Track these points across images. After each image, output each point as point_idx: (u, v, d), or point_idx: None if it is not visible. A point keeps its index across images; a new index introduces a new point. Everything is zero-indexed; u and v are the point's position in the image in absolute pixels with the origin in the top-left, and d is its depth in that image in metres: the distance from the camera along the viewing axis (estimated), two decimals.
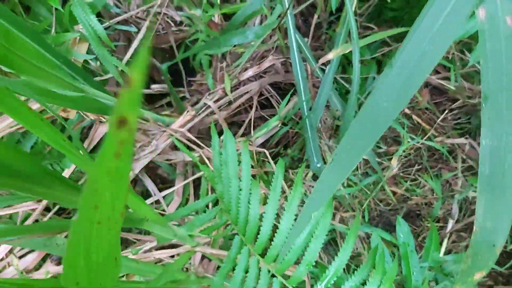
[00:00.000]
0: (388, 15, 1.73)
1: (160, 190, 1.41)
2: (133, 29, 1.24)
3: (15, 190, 0.41)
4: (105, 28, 1.16)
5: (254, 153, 1.40)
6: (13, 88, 0.61)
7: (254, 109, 1.43)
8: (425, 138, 1.44)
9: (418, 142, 1.44)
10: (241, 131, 1.52)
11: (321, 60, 1.32)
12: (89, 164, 0.54)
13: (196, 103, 1.54)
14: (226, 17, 1.57)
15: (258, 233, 0.83)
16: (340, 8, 1.44)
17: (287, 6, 1.28)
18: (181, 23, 1.61)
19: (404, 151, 1.45)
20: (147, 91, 1.37)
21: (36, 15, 1.13)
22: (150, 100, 1.56)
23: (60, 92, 0.68)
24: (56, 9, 1.02)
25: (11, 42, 0.65)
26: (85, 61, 1.16)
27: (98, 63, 1.13)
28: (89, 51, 1.12)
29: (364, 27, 1.72)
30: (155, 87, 1.39)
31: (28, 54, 0.75)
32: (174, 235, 0.81)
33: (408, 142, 1.36)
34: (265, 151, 1.29)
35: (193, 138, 1.25)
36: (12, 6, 1.04)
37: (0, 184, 0.38)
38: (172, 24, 1.54)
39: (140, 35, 1.19)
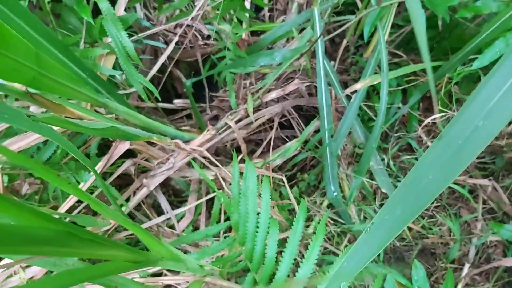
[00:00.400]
0: (417, 43, 1.69)
1: (172, 202, 1.39)
2: (161, 44, 1.22)
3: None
4: (134, 42, 1.15)
5: (271, 177, 1.38)
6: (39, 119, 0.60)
7: (274, 131, 1.40)
8: None
9: None
10: (259, 151, 1.50)
11: (348, 90, 1.29)
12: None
13: (216, 118, 1.52)
14: (253, 32, 1.55)
15: (273, 275, 0.80)
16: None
17: (319, 34, 1.26)
18: (208, 37, 1.59)
19: None
20: (169, 106, 1.35)
21: (66, 23, 1.12)
22: (171, 112, 1.54)
23: (84, 125, 0.66)
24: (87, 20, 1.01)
25: (41, 62, 0.63)
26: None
27: (124, 76, 1.11)
28: (115, 64, 1.11)
29: (391, 53, 1.68)
30: (178, 102, 1.37)
31: (56, 72, 0.74)
32: (186, 268, 0.79)
33: None
34: (283, 177, 1.27)
35: (211, 158, 1.22)
36: (44, 14, 1.03)
37: (27, 252, 0.36)
38: (199, 38, 1.53)
39: (168, 50, 1.17)
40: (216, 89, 1.60)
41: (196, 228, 1.35)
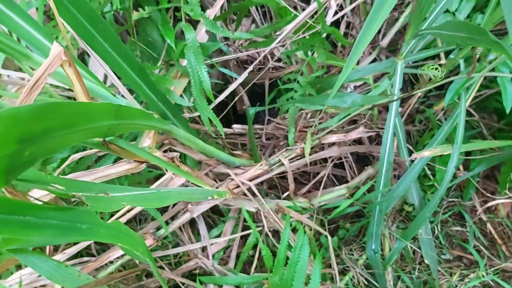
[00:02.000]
0: (492, 105, 1.57)
1: (207, 223, 1.38)
2: (234, 74, 1.19)
3: None
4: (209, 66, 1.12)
5: (314, 219, 1.34)
6: None
7: (325, 177, 1.36)
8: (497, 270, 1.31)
9: (487, 272, 1.31)
10: (305, 188, 1.46)
11: (414, 156, 1.22)
12: None
13: (269, 147, 1.49)
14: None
15: None
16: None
17: (397, 90, 1.19)
18: (279, 59, 1.55)
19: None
20: (227, 130, 1.33)
21: (147, 35, 1.10)
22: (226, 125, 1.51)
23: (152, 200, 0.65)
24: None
25: (120, 114, 0.61)
26: None
27: (192, 99, 1.09)
28: (187, 87, 1.09)
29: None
30: (236, 128, 1.34)
31: (132, 115, 0.72)
32: None
33: (482, 277, 1.24)
34: (326, 232, 1.22)
35: (258, 195, 1.20)
36: (127, 26, 1.02)
37: None
38: (270, 59, 1.48)
39: (239, 80, 1.14)
40: (275, 113, 1.56)
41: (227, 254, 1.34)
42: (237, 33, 0.93)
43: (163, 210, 1.19)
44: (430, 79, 0.89)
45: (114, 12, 1.00)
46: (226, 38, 1.35)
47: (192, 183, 0.93)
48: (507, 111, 1.23)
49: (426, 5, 1.00)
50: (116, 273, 0.97)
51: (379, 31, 1.83)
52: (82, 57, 1.19)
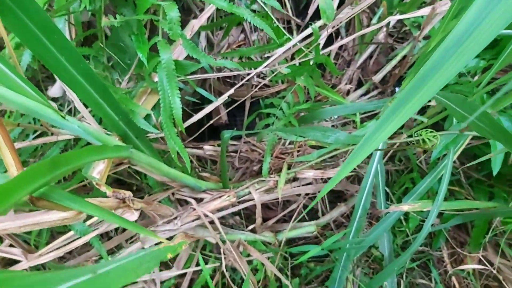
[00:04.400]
0: (473, 151, 1.51)
1: None
2: (213, 98, 1.07)
3: None
4: (183, 82, 1.00)
5: (278, 256, 1.25)
6: None
7: (296, 214, 1.26)
8: None
9: None
10: (272, 221, 1.36)
11: (393, 208, 1.14)
12: None
13: (240, 170, 1.38)
14: None
15: None
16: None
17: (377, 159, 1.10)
18: (264, 76, 1.43)
19: None
20: (197, 152, 1.21)
21: (118, 40, 0.96)
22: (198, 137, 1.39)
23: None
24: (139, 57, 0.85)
25: (55, 167, 0.49)
26: None
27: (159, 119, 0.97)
28: (157, 105, 0.96)
29: None
30: (208, 150, 1.22)
31: None
32: None
33: None
34: (288, 265, 1.13)
35: (221, 231, 1.09)
36: (96, 30, 0.88)
37: None
38: (254, 76, 1.37)
39: (218, 102, 1.02)
40: (252, 128, 1.46)
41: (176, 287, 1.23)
42: (220, 61, 0.81)
43: (107, 236, 1.06)
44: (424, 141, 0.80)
45: (83, 12, 0.85)
46: (210, 49, 1.23)
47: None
48: (494, 173, 1.17)
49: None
50: None
51: (370, 57, 1.75)
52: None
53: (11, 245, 0.95)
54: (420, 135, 0.78)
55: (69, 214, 0.60)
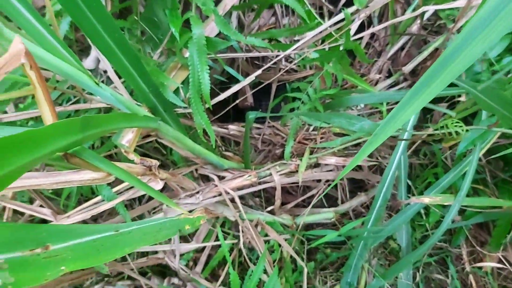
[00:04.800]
0: (500, 150, 1.48)
1: None
2: (241, 77, 1.08)
3: None
4: (212, 60, 1.02)
5: (295, 239, 1.27)
6: None
7: (315, 198, 1.27)
8: None
9: None
10: (291, 204, 1.37)
11: (414, 200, 1.13)
12: None
13: (263, 152, 1.39)
14: None
15: None
16: None
17: (408, 131, 1.09)
18: (292, 60, 1.43)
19: None
20: (222, 131, 1.23)
21: (152, 14, 0.98)
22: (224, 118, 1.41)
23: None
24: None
25: (87, 126, 0.52)
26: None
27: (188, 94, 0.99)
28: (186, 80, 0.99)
29: None
30: (232, 130, 1.24)
31: None
32: None
33: None
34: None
35: (240, 208, 1.11)
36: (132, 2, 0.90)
37: None
38: (283, 60, 1.37)
39: (245, 82, 1.03)
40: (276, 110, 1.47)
41: (195, 260, 1.27)
42: (250, 38, 0.82)
43: (131, 206, 1.10)
44: (450, 134, 0.80)
45: None
46: (241, 30, 1.24)
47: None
48: None
49: None
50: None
51: (402, 48, 1.72)
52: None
53: (41, 206, 1.00)
54: (447, 126, 0.77)
55: (99, 175, 0.63)
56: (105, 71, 1.13)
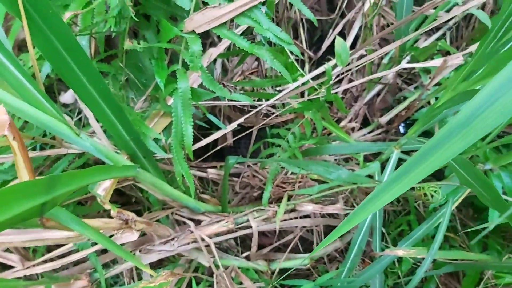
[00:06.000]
0: (470, 199, 1.52)
1: (152, 265, 1.27)
2: (223, 126, 1.09)
3: None
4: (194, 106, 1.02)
5: (270, 286, 1.25)
6: None
7: (290, 247, 1.27)
8: None
9: None
10: (267, 249, 1.37)
11: (388, 252, 1.15)
12: None
13: (239, 193, 1.39)
14: None
15: None
16: None
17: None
18: (274, 105, 1.46)
19: None
20: (201, 174, 1.22)
21: (137, 60, 0.99)
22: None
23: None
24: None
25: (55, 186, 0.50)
26: None
27: (169, 140, 0.99)
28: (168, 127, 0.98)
29: None
30: (211, 173, 1.24)
31: None
32: None
33: None
34: None
35: (216, 257, 1.10)
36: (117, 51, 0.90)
37: None
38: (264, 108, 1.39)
39: (227, 130, 1.04)
40: (255, 155, 1.48)
41: None
42: (235, 95, 0.83)
43: (104, 250, 1.07)
44: (426, 195, 0.82)
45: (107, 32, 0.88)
46: (224, 75, 1.25)
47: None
48: (490, 227, 1.18)
49: (438, 111, 0.93)
50: None
51: (378, 95, 1.78)
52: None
53: (7, 250, 0.96)
54: (423, 188, 0.80)
55: (73, 234, 0.61)
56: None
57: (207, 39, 1.27)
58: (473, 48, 1.14)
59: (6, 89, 0.68)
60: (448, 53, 1.39)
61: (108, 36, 1.00)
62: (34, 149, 0.97)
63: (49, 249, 0.96)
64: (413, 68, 1.73)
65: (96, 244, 0.90)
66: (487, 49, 0.82)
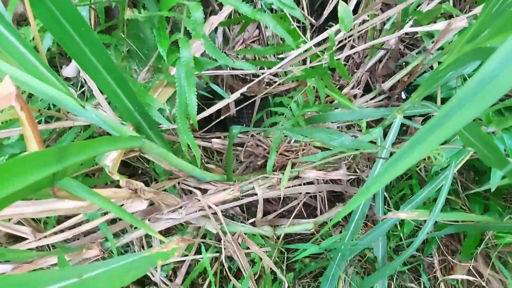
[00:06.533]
0: (471, 162, 1.54)
1: (162, 233, 1.30)
2: (226, 95, 1.08)
3: None
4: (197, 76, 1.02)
5: (276, 250, 1.29)
6: None
7: (294, 213, 1.30)
8: None
9: None
10: (272, 215, 1.40)
11: (391, 215, 1.17)
12: None
13: (244, 163, 1.41)
14: None
15: None
16: None
17: (389, 144, 1.13)
18: (276, 74, 1.45)
19: None
20: (206, 144, 1.23)
21: (138, 30, 0.97)
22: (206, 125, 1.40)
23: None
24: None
25: (65, 156, 0.51)
26: None
27: (173, 111, 0.99)
28: (172, 97, 0.99)
29: None
30: (215, 143, 1.25)
31: None
32: None
33: None
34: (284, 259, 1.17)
35: (223, 223, 1.12)
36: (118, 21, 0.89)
37: None
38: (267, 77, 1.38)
39: (230, 100, 1.04)
40: (259, 124, 1.48)
41: (175, 271, 1.28)
42: (238, 63, 0.83)
43: (114, 220, 1.10)
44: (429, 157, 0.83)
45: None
46: (225, 43, 1.24)
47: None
48: (492, 189, 1.20)
49: (442, 75, 0.93)
50: None
51: (380, 61, 1.77)
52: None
53: (19, 222, 0.98)
54: None
55: (84, 204, 0.63)
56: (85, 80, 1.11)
57: (207, 7, 1.25)
58: (477, 10, 1.12)
59: (9, 61, 0.68)
60: (451, 17, 1.36)
61: (107, 6, 0.98)
62: (39, 122, 0.97)
63: (60, 221, 0.98)
64: (416, 33, 1.71)
65: (106, 214, 0.92)
66: (493, 9, 0.81)
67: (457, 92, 0.37)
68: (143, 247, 1.21)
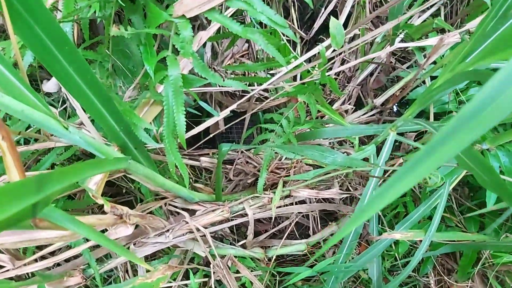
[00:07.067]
0: (466, 178, 1.51)
1: (146, 258, 1.25)
2: (215, 113, 1.05)
3: None
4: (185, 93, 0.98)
5: (267, 274, 1.24)
6: None
7: (286, 234, 1.26)
8: None
9: None
10: (263, 236, 1.35)
11: (386, 235, 1.14)
12: None
13: (233, 181, 1.36)
14: None
15: None
16: None
17: (382, 162, 1.10)
18: (266, 89, 1.42)
19: None
20: (194, 163, 1.19)
21: (124, 46, 0.94)
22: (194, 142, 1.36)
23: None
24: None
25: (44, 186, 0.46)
26: None
27: (160, 129, 0.95)
28: (158, 116, 0.95)
29: None
30: (204, 162, 1.21)
31: None
32: None
33: None
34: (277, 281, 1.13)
35: (211, 245, 1.08)
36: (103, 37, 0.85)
37: None
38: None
39: (219, 118, 1.00)
40: (249, 141, 1.45)
41: None
42: (228, 81, 0.79)
43: (98, 245, 1.04)
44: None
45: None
46: (214, 58, 1.21)
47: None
48: (488, 206, 1.18)
49: (436, 93, 0.90)
50: None
51: (371, 74, 1.75)
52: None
53: None
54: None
55: (67, 233, 0.58)
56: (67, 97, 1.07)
57: (195, 21, 1.22)
58: (470, 25, 1.11)
59: None
60: (442, 30, 1.36)
61: (92, 19, 0.94)
62: (18, 142, 0.92)
63: (40, 247, 0.92)
64: (407, 46, 1.70)
65: (89, 240, 0.87)
66: (488, 28, 0.79)
67: (455, 116, 0.34)
68: (127, 272, 1.15)
